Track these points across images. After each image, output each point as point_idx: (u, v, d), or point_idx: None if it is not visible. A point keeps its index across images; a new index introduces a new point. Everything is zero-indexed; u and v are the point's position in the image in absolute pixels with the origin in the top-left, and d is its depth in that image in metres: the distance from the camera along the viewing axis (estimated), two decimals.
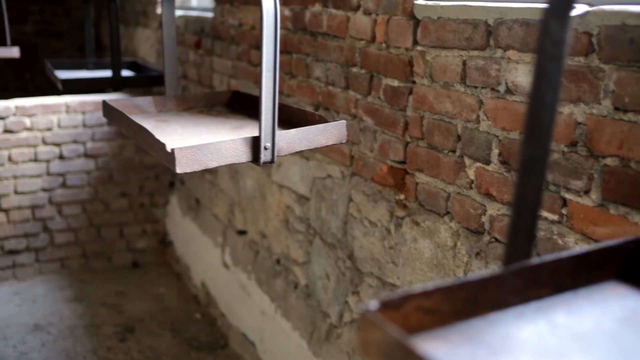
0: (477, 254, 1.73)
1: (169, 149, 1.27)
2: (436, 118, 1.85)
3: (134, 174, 4.37)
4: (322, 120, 1.51)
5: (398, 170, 2.04)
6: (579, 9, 1.35)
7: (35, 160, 4.05)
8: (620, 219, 1.32)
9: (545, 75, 0.73)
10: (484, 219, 1.69)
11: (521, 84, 1.55)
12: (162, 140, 1.31)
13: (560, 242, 1.47)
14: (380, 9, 2.06)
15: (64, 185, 4.17)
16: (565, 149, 1.43)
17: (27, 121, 3.98)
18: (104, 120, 3.94)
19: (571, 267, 0.78)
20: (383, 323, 0.62)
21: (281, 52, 2.62)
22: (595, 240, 1.38)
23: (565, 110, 1.42)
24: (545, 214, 1.50)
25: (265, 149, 1.36)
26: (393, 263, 2.09)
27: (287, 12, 2.64)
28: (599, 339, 0.70)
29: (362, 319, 0.65)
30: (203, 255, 3.95)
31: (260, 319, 3.14)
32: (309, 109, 2.39)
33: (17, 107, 3.94)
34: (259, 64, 1.33)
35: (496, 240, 1.67)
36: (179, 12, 4.05)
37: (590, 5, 1.37)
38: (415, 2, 1.91)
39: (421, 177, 1.94)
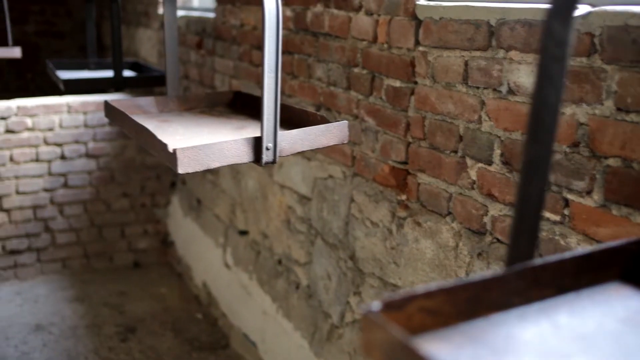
0: (479, 254, 1.73)
1: (170, 149, 1.27)
2: (438, 118, 1.85)
3: (136, 174, 4.37)
4: (323, 121, 1.51)
5: (400, 171, 2.04)
6: (581, 10, 1.35)
7: (37, 160, 4.05)
8: (623, 220, 1.32)
9: (548, 75, 0.73)
10: (486, 219, 1.69)
11: (523, 85, 1.55)
12: (164, 140, 1.31)
13: (562, 242, 1.47)
14: (382, 9, 2.06)
15: (65, 185, 4.17)
16: (568, 150, 1.43)
17: (29, 121, 3.98)
18: (106, 120, 3.94)
19: (574, 268, 0.78)
20: (386, 324, 0.62)
21: (283, 53, 2.61)
22: (598, 241, 1.38)
23: (568, 110, 1.42)
24: (547, 214, 1.50)
25: (267, 149, 1.36)
26: (395, 263, 2.09)
27: (288, 13, 2.64)
28: (601, 340, 0.70)
29: (365, 320, 0.65)
30: (204, 255, 3.95)
31: (261, 319, 3.14)
32: (311, 109, 2.39)
33: (18, 108, 3.95)
34: (260, 65, 1.34)
35: (498, 240, 1.67)
36: (180, 13, 4.05)
37: (593, 5, 1.36)
38: (417, 2, 1.91)
39: (423, 178, 1.94)
